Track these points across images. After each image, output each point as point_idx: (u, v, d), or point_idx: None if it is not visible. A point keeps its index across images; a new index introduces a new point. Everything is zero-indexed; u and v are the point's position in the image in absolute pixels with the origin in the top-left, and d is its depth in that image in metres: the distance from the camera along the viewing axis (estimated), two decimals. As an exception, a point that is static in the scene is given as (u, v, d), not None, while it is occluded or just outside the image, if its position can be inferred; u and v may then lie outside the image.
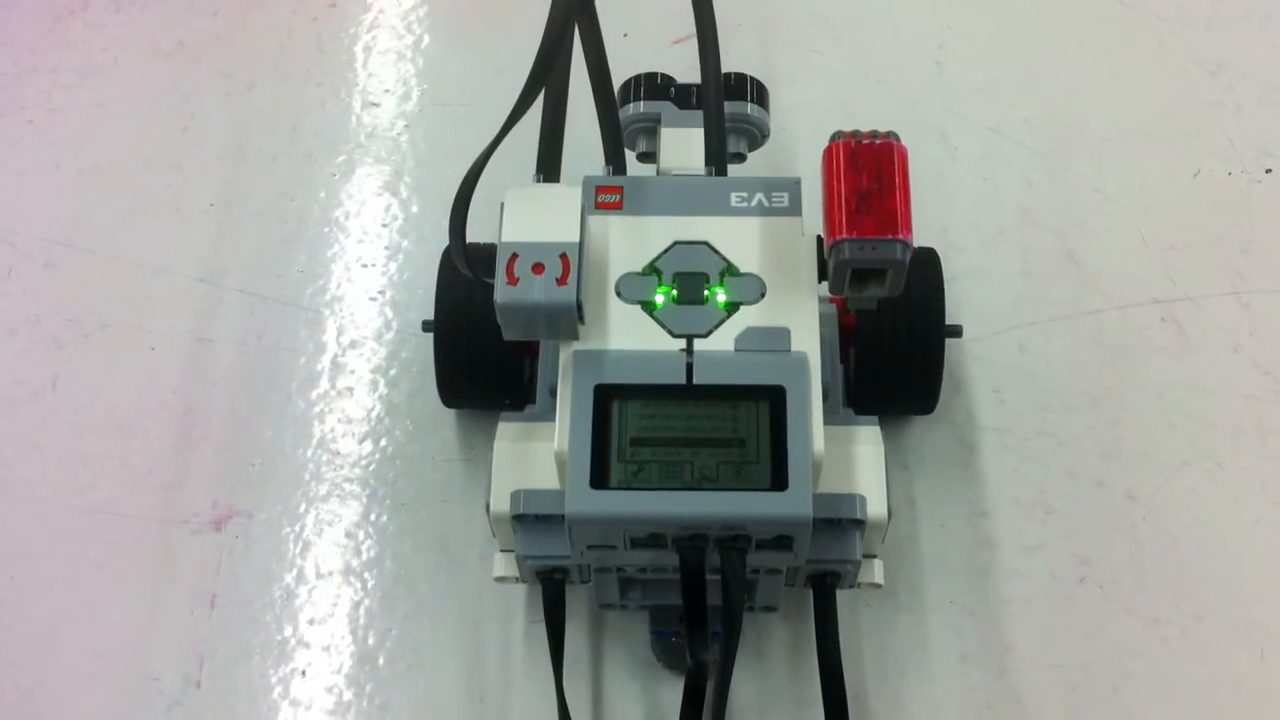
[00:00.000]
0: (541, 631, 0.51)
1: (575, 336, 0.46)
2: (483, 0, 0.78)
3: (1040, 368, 0.63)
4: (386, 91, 0.74)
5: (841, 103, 0.72)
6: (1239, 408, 0.61)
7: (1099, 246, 0.66)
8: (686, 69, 0.57)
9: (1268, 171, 0.69)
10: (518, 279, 0.44)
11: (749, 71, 0.61)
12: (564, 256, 0.45)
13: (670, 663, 0.54)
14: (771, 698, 0.55)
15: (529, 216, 0.45)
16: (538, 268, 0.44)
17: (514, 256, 0.45)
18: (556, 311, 0.44)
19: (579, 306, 0.45)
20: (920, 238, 0.51)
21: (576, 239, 0.45)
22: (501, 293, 0.44)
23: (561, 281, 0.44)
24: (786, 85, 0.71)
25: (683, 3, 0.53)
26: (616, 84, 0.56)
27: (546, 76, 0.44)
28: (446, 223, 0.45)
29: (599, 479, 0.44)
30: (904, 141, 0.46)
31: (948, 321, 0.56)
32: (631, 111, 0.60)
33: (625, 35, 0.72)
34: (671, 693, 0.54)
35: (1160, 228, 0.67)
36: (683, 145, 0.58)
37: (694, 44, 0.53)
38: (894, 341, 0.56)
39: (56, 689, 0.56)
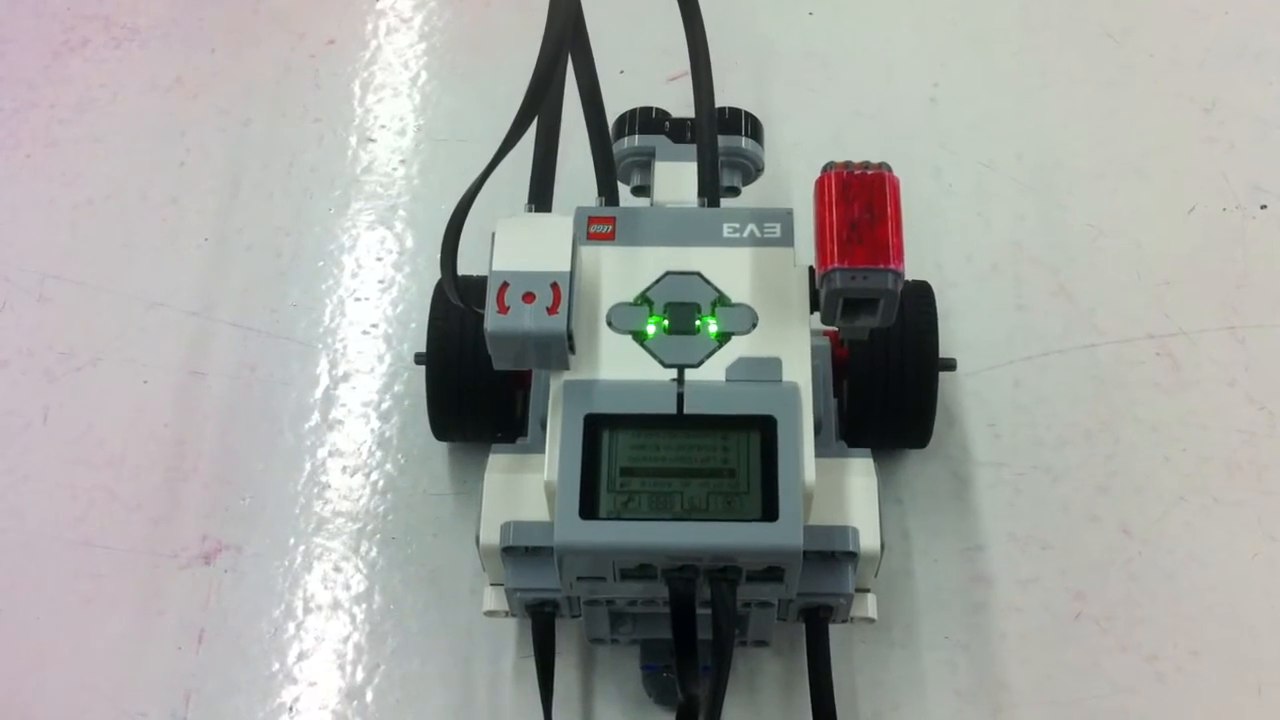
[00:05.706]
0: (531, 667, 0.51)
1: (566, 366, 0.46)
2: (479, 38, 0.79)
3: (1034, 402, 0.62)
4: (383, 127, 0.75)
5: (836, 139, 0.72)
6: (1234, 442, 0.61)
7: (1093, 281, 0.66)
8: (682, 106, 0.57)
9: (1263, 207, 0.69)
10: (508, 307, 0.44)
11: (744, 107, 0.61)
12: (555, 285, 0.44)
13: (661, 698, 0.54)
14: (764, 734, 0.54)
15: (520, 245, 0.45)
16: (528, 296, 0.44)
17: (505, 285, 0.44)
18: (547, 340, 0.44)
19: (569, 335, 0.44)
20: (914, 272, 0.51)
21: (568, 268, 0.45)
22: (492, 321, 0.44)
23: (552, 310, 0.44)
24: (781, 122, 0.71)
25: (678, 40, 0.53)
26: (611, 119, 0.56)
27: (539, 105, 0.44)
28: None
29: (588, 509, 0.43)
30: (897, 176, 0.45)
31: (942, 355, 0.56)
32: (626, 145, 0.60)
33: (621, 72, 0.73)
34: (663, 728, 0.54)
35: (1154, 263, 0.67)
36: (676, 179, 0.57)
37: (689, 81, 0.53)
38: (888, 375, 0.55)
39: (42, 723, 0.55)
